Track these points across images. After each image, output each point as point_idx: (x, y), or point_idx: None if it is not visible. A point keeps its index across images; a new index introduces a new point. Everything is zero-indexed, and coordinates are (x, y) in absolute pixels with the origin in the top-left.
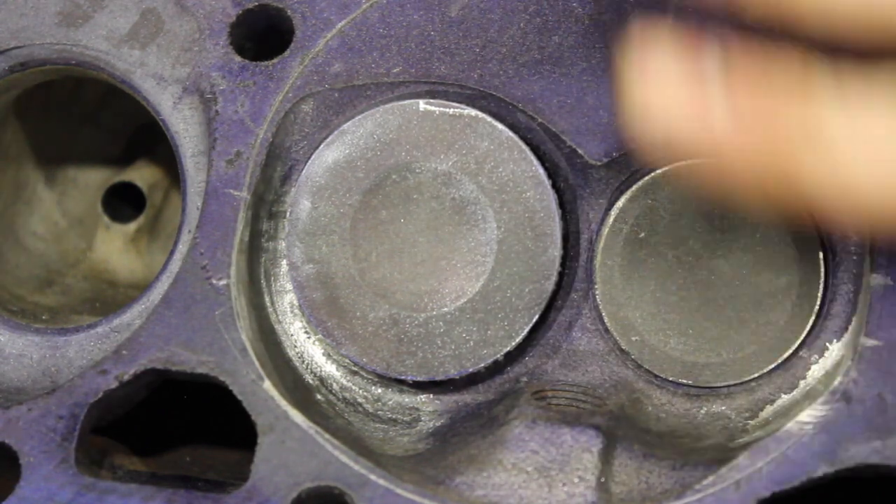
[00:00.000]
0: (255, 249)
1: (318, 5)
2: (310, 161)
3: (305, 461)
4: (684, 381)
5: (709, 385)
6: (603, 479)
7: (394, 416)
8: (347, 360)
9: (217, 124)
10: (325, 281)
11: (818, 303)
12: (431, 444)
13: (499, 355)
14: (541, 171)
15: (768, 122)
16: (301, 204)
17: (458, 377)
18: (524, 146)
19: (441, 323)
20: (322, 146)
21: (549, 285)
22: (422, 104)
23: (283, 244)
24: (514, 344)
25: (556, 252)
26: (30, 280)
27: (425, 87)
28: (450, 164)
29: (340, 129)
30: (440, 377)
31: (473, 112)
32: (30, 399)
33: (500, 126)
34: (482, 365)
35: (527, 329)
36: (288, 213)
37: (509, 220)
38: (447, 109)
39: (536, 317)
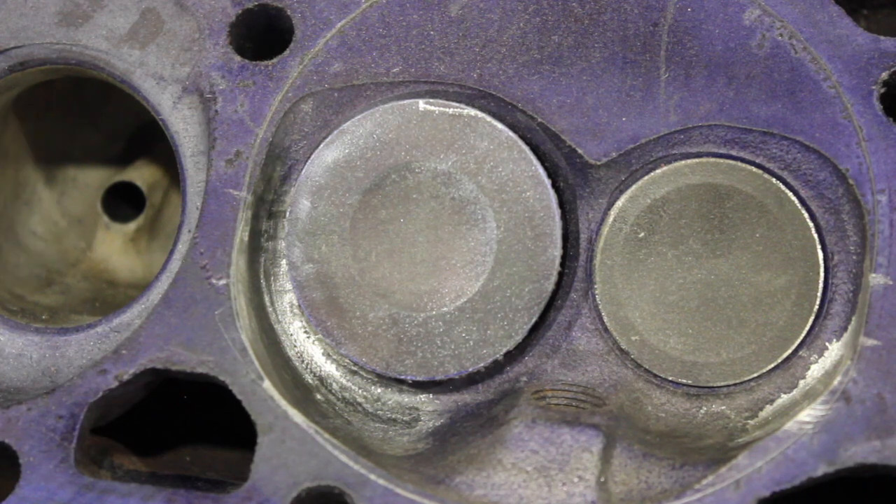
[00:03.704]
0: (255, 249)
1: (317, 5)
2: (309, 161)
3: (305, 461)
4: (684, 380)
5: (708, 385)
6: (603, 479)
7: (393, 416)
8: (347, 360)
9: (217, 124)
10: (324, 281)
11: (818, 303)
12: (431, 443)
13: (498, 355)
14: (541, 170)
15: None
16: (301, 204)
17: (457, 377)
18: (524, 146)
19: (441, 323)
20: (322, 146)
21: (549, 285)
22: (421, 104)
23: (283, 244)
24: (513, 344)
25: (555, 252)
26: (30, 280)
27: (425, 87)
28: (449, 163)
29: (340, 128)
30: (440, 377)
31: (473, 112)
32: (29, 399)
33: (500, 126)
34: (482, 365)
35: (527, 329)
36: (287, 213)
37: (509, 220)
38: (447, 109)
39: (536, 317)
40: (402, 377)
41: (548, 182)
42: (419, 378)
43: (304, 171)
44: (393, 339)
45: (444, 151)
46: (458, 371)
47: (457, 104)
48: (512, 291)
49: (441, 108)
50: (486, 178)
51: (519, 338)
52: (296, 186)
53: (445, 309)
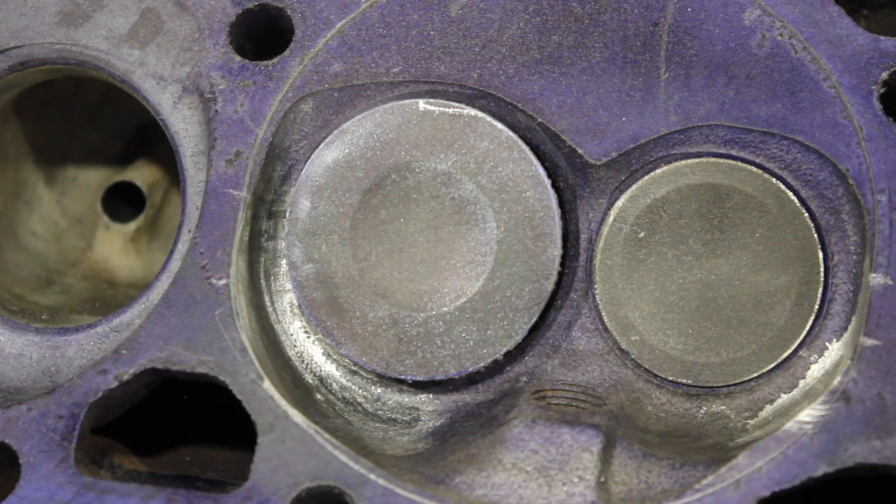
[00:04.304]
0: (255, 249)
1: (317, 5)
2: (309, 161)
3: (305, 461)
4: (684, 380)
5: (709, 385)
6: (603, 479)
7: (393, 416)
8: (347, 360)
9: (217, 124)
10: (324, 280)
11: (818, 303)
12: (431, 443)
13: (498, 355)
14: (541, 170)
15: None
16: (301, 203)
17: (457, 377)
18: (524, 146)
19: (441, 323)
20: (322, 146)
21: (549, 285)
22: (421, 104)
23: (283, 244)
24: (513, 343)
25: (555, 252)
26: (30, 280)
27: (425, 87)
28: (449, 163)
29: (340, 128)
30: (440, 377)
31: (473, 112)
32: (29, 399)
33: (499, 126)
34: (482, 365)
35: (526, 329)
36: (287, 213)
37: (509, 220)
38: (447, 109)
39: (536, 317)
40: (402, 377)
41: (548, 182)
42: (419, 378)
43: (304, 171)
44: (393, 339)
45: (444, 151)
46: (458, 371)
47: (457, 104)
48: (512, 291)
49: (441, 108)
50: (486, 178)
51: (519, 338)
52: (296, 186)
53: (445, 309)
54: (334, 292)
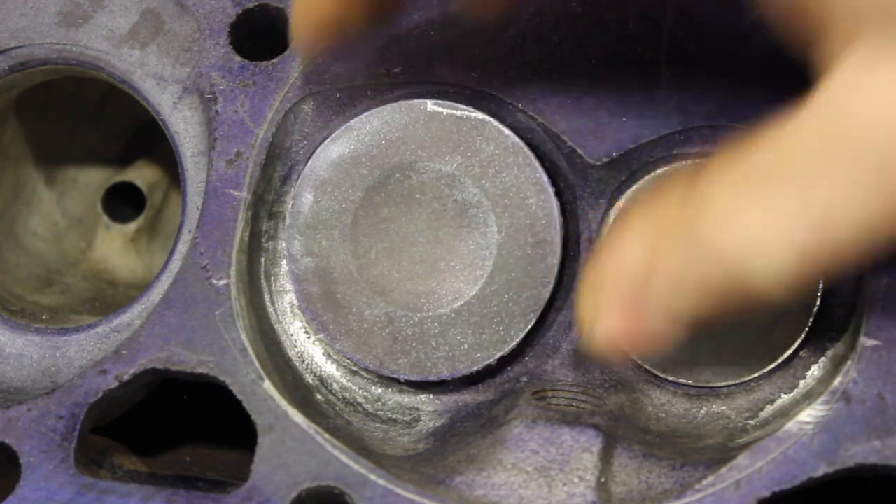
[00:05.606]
0: (255, 249)
1: None
2: (314, 155)
3: (305, 461)
4: (684, 381)
5: (709, 385)
6: (603, 479)
7: (393, 416)
8: (347, 360)
9: (217, 124)
10: (322, 275)
11: (818, 302)
12: (431, 443)
13: (492, 359)
14: (545, 178)
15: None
16: (303, 197)
17: (450, 378)
18: (529, 152)
19: (436, 324)
20: (328, 140)
21: (547, 292)
22: (429, 104)
23: (283, 239)
24: (508, 349)
25: (555, 259)
26: (30, 280)
27: (425, 88)
28: (454, 165)
29: (347, 124)
30: (432, 378)
31: (481, 115)
32: (30, 399)
33: (506, 130)
34: (475, 368)
35: (522, 335)
36: (290, 206)
37: (510, 226)
38: (454, 111)
39: (532, 323)
40: (395, 376)
41: (551, 190)
42: (412, 378)
43: (308, 164)
44: (388, 338)
45: (449, 153)
46: (450, 373)
47: (465, 106)
48: (509, 297)
49: (448, 110)
50: (489, 182)
51: (514, 343)
52: (299, 180)
53: (442, 310)
54: (332, 287)
